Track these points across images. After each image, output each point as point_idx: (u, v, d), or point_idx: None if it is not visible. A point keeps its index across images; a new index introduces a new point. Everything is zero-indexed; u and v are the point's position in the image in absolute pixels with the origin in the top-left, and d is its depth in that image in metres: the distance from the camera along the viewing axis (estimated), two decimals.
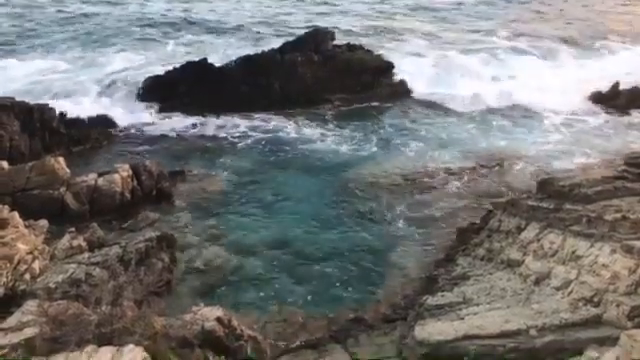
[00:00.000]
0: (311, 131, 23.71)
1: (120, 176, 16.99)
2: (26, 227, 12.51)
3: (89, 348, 6.98)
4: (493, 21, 41.80)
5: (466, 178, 19.26)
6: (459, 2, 49.52)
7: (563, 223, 11.43)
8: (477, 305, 10.85)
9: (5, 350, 7.11)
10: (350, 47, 28.95)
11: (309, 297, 13.46)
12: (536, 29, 40.03)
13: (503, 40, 36.92)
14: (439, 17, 43.57)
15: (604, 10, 46.53)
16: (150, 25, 38.85)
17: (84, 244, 13.16)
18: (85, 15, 41.11)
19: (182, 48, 33.69)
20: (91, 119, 23.09)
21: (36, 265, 11.77)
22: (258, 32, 37.35)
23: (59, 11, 42.09)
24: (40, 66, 29.79)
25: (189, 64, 26.77)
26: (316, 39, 28.43)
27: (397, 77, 28.29)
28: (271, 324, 12.01)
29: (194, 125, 23.90)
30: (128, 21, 39.77)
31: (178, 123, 23.98)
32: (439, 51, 33.73)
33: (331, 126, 24.12)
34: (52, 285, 11.29)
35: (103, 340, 7.26)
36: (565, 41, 36.65)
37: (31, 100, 21.85)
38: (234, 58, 27.70)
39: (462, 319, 10.34)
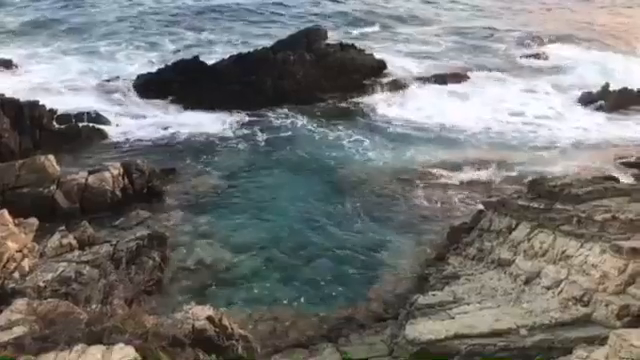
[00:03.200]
0: (303, 130, 23.67)
1: (111, 174, 16.92)
2: (15, 225, 12.42)
3: (79, 347, 6.93)
4: (498, 21, 41.63)
5: (458, 178, 19.29)
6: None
7: (553, 223, 11.49)
8: (468, 304, 10.89)
9: None
10: (343, 46, 28.91)
11: (300, 296, 13.48)
12: (535, 28, 39.99)
13: (502, 43, 36.89)
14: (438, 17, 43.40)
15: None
16: (142, 22, 38.54)
17: (74, 242, 13.08)
18: (76, 10, 40.81)
19: (175, 45, 33.49)
20: (82, 116, 22.91)
21: (25, 263, 11.70)
22: (251, 29, 37.19)
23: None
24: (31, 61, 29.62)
25: (181, 62, 26.74)
26: (309, 38, 28.44)
27: (390, 76, 28.29)
28: (262, 323, 12.01)
29: (186, 123, 23.73)
30: (118, 16, 39.49)
31: (170, 120, 23.82)
32: (438, 50, 33.91)
33: (323, 125, 24.06)
34: (41, 283, 11.23)
35: (93, 339, 7.20)
36: (560, 39, 36.70)
37: (21, 97, 21.69)
38: (227, 56, 27.66)
39: (453, 318, 10.38)
